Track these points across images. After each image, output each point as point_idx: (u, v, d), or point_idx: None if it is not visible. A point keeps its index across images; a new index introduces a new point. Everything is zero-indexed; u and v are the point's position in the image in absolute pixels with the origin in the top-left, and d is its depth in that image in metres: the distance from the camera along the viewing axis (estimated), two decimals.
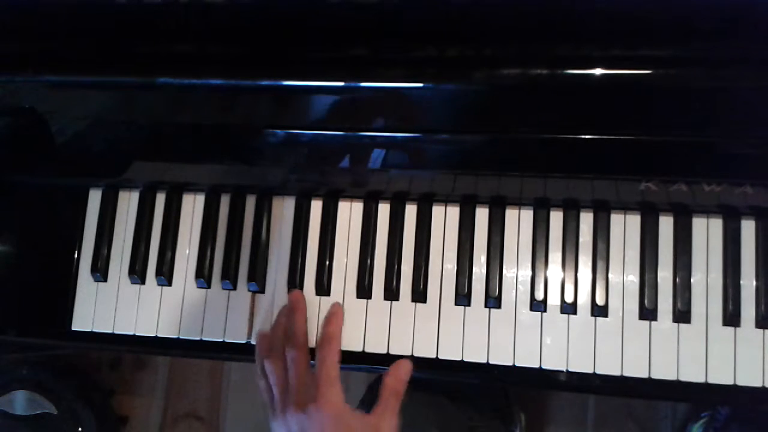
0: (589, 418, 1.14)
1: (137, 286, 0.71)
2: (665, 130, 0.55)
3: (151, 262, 0.71)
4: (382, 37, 0.57)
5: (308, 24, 0.57)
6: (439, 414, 0.77)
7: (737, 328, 0.62)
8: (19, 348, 0.97)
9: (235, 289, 0.69)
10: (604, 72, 0.52)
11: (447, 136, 0.59)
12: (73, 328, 0.71)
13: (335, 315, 0.65)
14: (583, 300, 0.64)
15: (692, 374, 0.61)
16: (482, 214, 0.67)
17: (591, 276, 0.64)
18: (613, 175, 0.60)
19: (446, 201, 0.67)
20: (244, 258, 0.69)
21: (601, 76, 0.52)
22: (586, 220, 0.65)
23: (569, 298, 0.64)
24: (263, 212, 0.70)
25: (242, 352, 0.68)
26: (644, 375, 0.62)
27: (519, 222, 0.66)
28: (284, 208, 0.70)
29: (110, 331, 0.70)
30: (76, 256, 0.72)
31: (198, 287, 0.70)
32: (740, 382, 0.61)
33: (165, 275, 0.70)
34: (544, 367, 0.63)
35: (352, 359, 0.66)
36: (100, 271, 0.71)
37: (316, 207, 0.69)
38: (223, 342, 0.68)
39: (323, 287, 0.68)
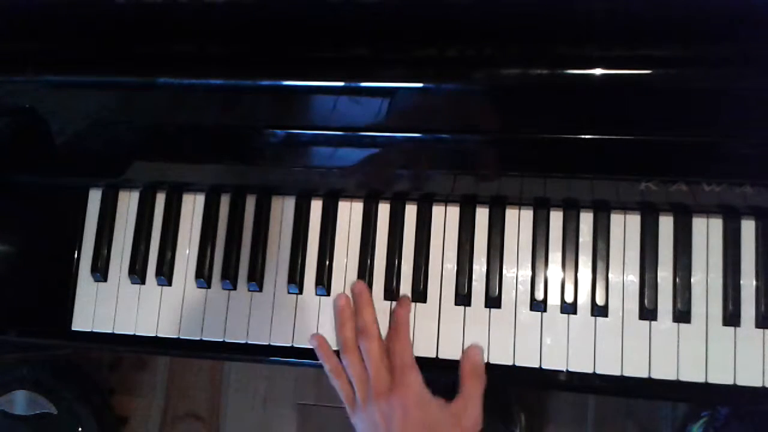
0: (589, 418, 1.14)
1: (137, 286, 0.71)
2: (665, 130, 0.55)
3: (151, 262, 0.71)
4: (382, 37, 0.57)
5: (308, 24, 0.57)
6: None
7: (737, 328, 0.62)
8: (19, 348, 0.97)
9: (235, 289, 0.69)
10: (604, 72, 0.52)
11: (447, 136, 0.59)
12: (73, 328, 0.71)
13: (403, 302, 0.65)
14: (583, 300, 0.64)
15: (692, 374, 0.61)
16: (482, 214, 0.67)
17: (591, 276, 0.64)
18: (613, 175, 0.60)
19: (446, 201, 0.67)
20: (244, 258, 0.69)
21: (601, 76, 0.52)
22: (586, 220, 0.65)
23: (569, 298, 0.64)
24: (263, 212, 0.70)
25: (242, 352, 0.68)
26: (644, 375, 0.62)
27: (519, 222, 0.66)
28: (284, 208, 0.70)
29: (110, 331, 0.70)
30: (76, 256, 0.72)
31: (198, 287, 0.70)
32: (740, 382, 0.61)
33: (165, 275, 0.70)
34: (544, 367, 0.63)
35: None
36: (100, 271, 0.71)
37: (316, 207, 0.69)
38: (223, 342, 0.68)
39: (323, 287, 0.67)
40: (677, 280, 0.63)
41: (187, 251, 0.71)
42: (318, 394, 1.22)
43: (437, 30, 0.56)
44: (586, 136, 0.56)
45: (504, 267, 0.66)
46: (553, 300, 0.64)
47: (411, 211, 0.68)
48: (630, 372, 0.62)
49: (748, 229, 0.63)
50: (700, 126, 0.55)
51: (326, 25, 0.57)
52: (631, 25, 0.53)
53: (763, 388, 0.61)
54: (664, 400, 1.06)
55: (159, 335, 0.70)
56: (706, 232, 0.64)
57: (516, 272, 0.66)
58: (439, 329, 0.65)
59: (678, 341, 0.62)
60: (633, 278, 0.64)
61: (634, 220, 0.65)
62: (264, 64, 0.58)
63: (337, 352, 0.65)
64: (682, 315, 0.62)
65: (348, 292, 0.67)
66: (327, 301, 0.68)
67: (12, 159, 0.69)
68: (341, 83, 0.56)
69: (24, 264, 0.74)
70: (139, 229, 0.72)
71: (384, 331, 0.65)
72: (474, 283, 0.66)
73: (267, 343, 0.68)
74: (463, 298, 0.65)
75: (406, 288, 0.67)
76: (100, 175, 0.71)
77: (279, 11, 0.58)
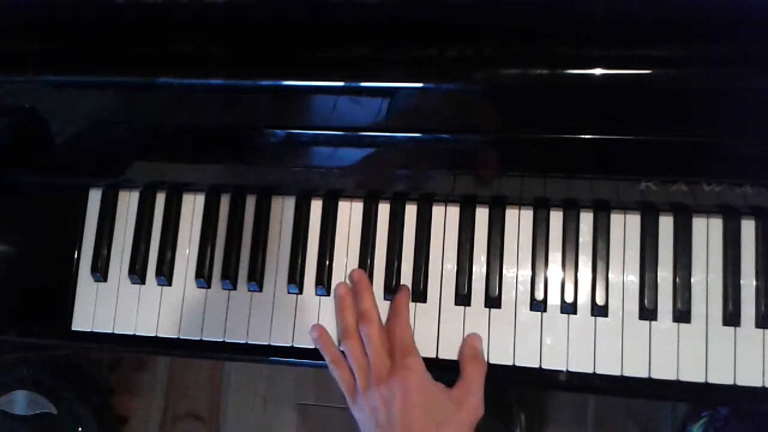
0: (589, 418, 1.14)
1: (137, 286, 0.71)
2: (665, 130, 0.55)
3: (151, 262, 0.71)
4: (382, 37, 0.57)
5: (308, 23, 0.57)
6: None
7: (737, 328, 0.62)
8: (19, 348, 0.97)
9: (235, 289, 0.69)
10: (604, 72, 0.52)
11: (447, 136, 0.59)
12: (73, 328, 0.71)
13: (402, 289, 0.65)
14: (583, 300, 0.64)
15: (692, 374, 0.61)
16: (482, 214, 0.67)
17: (591, 276, 0.64)
18: (613, 175, 0.60)
19: (446, 201, 0.67)
20: (244, 258, 0.69)
21: (601, 76, 0.52)
22: (586, 220, 0.65)
23: (569, 298, 0.64)
24: (263, 212, 0.70)
25: (242, 352, 0.68)
26: (644, 375, 0.62)
27: (519, 222, 0.66)
28: (284, 208, 0.70)
29: (110, 331, 0.70)
30: (76, 256, 0.72)
31: (198, 287, 0.70)
32: (740, 382, 0.61)
33: (165, 275, 0.70)
34: (544, 367, 0.63)
35: None
36: (100, 271, 0.71)
37: (316, 207, 0.69)
38: (223, 342, 0.68)
39: (323, 287, 0.68)
40: (677, 280, 0.63)
41: (187, 251, 0.71)
42: (318, 394, 1.22)
43: (437, 30, 0.56)
44: (586, 136, 0.56)
45: (504, 267, 0.66)
46: (553, 300, 0.64)
47: (411, 211, 0.68)
48: (630, 372, 0.62)
49: (748, 229, 0.63)
50: (700, 126, 0.55)
51: (326, 24, 0.57)
52: (631, 25, 0.53)
53: (763, 388, 0.61)
54: (664, 400, 1.06)
55: (159, 335, 0.70)
56: (706, 232, 0.64)
57: (516, 272, 0.66)
58: (439, 329, 0.65)
59: (678, 341, 0.62)
60: (633, 278, 0.64)
61: (634, 220, 0.65)
62: (264, 64, 0.58)
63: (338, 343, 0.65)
64: (682, 315, 0.62)
65: (348, 283, 0.67)
66: (327, 301, 0.68)
67: (12, 159, 0.69)
68: (341, 83, 0.56)
69: (24, 264, 0.74)
70: (139, 229, 0.72)
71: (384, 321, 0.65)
72: (474, 283, 0.66)
73: (267, 343, 0.68)
74: (463, 298, 0.65)
75: None
76: (100, 175, 0.71)
77: (279, 11, 0.58)
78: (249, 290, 0.69)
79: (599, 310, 0.64)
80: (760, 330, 0.62)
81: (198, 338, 0.69)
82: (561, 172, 0.60)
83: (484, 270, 0.66)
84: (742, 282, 0.62)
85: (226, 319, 0.68)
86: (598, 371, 0.63)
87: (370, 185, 0.67)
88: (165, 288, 0.71)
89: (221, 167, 0.67)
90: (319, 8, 0.56)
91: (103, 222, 0.72)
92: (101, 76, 0.61)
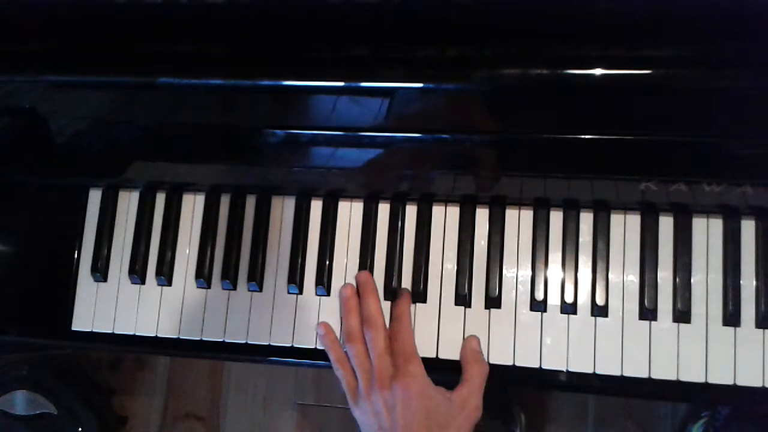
0: (589, 418, 1.14)
1: (137, 286, 0.71)
2: (665, 130, 0.55)
3: (151, 262, 0.71)
4: (382, 37, 0.57)
5: (308, 24, 0.57)
6: None
7: (737, 328, 0.62)
8: (19, 348, 0.97)
9: (235, 289, 0.69)
10: (604, 72, 0.52)
11: (447, 137, 0.59)
12: (73, 328, 0.71)
13: (404, 293, 0.66)
14: (583, 300, 0.64)
15: (692, 374, 0.61)
16: (482, 214, 0.67)
17: (591, 276, 0.64)
18: (613, 175, 0.60)
19: (446, 201, 0.67)
20: (244, 258, 0.69)
21: (601, 76, 0.52)
22: (586, 220, 0.65)
23: (569, 298, 0.64)
24: (263, 212, 0.70)
25: (242, 352, 0.68)
26: (644, 375, 0.62)
27: (519, 222, 0.66)
28: (284, 208, 0.70)
29: (110, 331, 0.70)
30: (76, 256, 0.72)
31: (198, 287, 0.70)
32: (740, 382, 0.61)
33: (165, 275, 0.70)
34: (544, 367, 0.63)
35: None
36: (100, 271, 0.71)
37: (316, 207, 0.69)
38: (223, 342, 0.68)
39: (323, 287, 0.67)
40: (677, 280, 0.63)
41: (187, 251, 0.71)
42: (318, 394, 1.22)
43: (437, 30, 0.56)
44: (586, 136, 0.56)
45: (504, 267, 0.66)
46: (553, 300, 0.64)
47: (411, 211, 0.68)
48: (630, 372, 0.62)
49: (748, 229, 0.63)
50: (700, 126, 0.55)
51: (326, 24, 0.57)
52: (631, 25, 0.53)
53: (763, 388, 0.61)
54: (664, 400, 1.06)
55: (159, 335, 0.70)
56: (706, 232, 0.64)
57: (516, 272, 0.66)
58: (439, 329, 0.65)
59: (678, 341, 0.62)
60: (633, 278, 0.64)
61: (634, 220, 0.65)
62: (264, 64, 0.58)
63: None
64: (682, 315, 0.62)
65: (353, 284, 0.67)
66: (327, 301, 0.68)
67: (12, 159, 0.69)
68: (341, 83, 0.56)
69: (24, 264, 0.74)
70: (139, 229, 0.72)
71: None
72: (474, 283, 0.66)
73: (267, 343, 0.68)
74: (463, 298, 0.65)
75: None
76: (100, 175, 0.71)
77: (279, 11, 0.57)
78: (249, 290, 0.69)
79: (599, 310, 0.64)
80: (760, 330, 0.62)
81: (198, 338, 0.69)
82: (561, 172, 0.60)
83: (484, 270, 0.66)
84: (742, 282, 0.62)
85: (226, 319, 0.68)
86: (598, 371, 0.63)
87: (370, 185, 0.67)
88: (165, 288, 0.71)
89: (221, 167, 0.67)
90: (318, 8, 0.56)
91: (103, 222, 0.72)
92: (101, 76, 0.61)
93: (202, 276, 0.69)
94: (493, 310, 0.65)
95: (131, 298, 0.71)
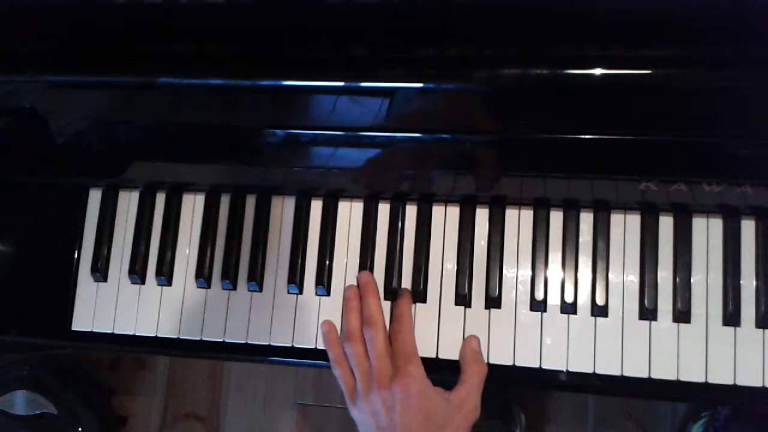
0: (589, 418, 1.14)
1: (137, 286, 0.71)
2: (665, 130, 0.55)
3: (151, 262, 0.71)
4: (382, 37, 0.57)
5: (308, 24, 0.57)
6: None
7: (737, 328, 0.62)
8: (19, 348, 0.97)
9: (235, 289, 0.69)
10: (604, 72, 0.52)
11: (447, 137, 0.59)
12: (73, 328, 0.71)
13: (405, 293, 0.66)
14: (583, 300, 0.64)
15: (692, 374, 0.61)
16: (482, 214, 0.67)
17: (591, 276, 0.64)
18: (613, 175, 0.60)
19: (446, 201, 0.67)
20: (244, 258, 0.69)
21: (601, 76, 0.52)
22: (586, 220, 0.65)
23: (569, 298, 0.64)
24: (263, 212, 0.70)
25: (242, 352, 0.68)
26: (644, 375, 0.62)
27: (519, 222, 0.66)
28: (284, 208, 0.70)
29: (110, 331, 0.70)
30: (76, 256, 0.72)
31: (198, 287, 0.70)
32: (740, 382, 0.61)
33: (165, 275, 0.70)
34: (544, 367, 0.63)
35: None
36: (100, 271, 0.71)
37: (316, 207, 0.69)
38: (223, 342, 0.68)
39: (324, 287, 0.67)
40: (677, 280, 0.63)
41: (187, 251, 0.71)
42: (318, 394, 1.22)
43: (437, 30, 0.56)
44: (586, 136, 0.56)
45: (504, 267, 0.66)
46: (553, 300, 0.64)
47: (411, 211, 0.68)
48: (630, 372, 0.62)
49: (748, 229, 0.63)
50: (700, 126, 0.55)
51: (326, 25, 0.57)
52: (631, 25, 0.53)
53: (763, 388, 0.61)
54: (664, 400, 1.06)
55: (159, 335, 0.70)
56: (706, 232, 0.64)
57: (516, 272, 0.66)
58: (439, 329, 0.65)
59: (678, 341, 0.62)
60: (633, 278, 0.64)
61: (634, 220, 0.65)
62: (264, 64, 0.58)
63: None
64: (682, 315, 0.62)
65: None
66: (327, 301, 0.68)
67: (12, 159, 0.69)
68: (341, 83, 0.56)
69: (24, 264, 0.74)
70: (139, 229, 0.72)
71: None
72: (474, 283, 0.66)
73: (267, 343, 0.68)
74: (463, 298, 0.65)
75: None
76: (100, 175, 0.71)
77: (279, 11, 0.57)
78: (249, 290, 0.69)
79: (599, 310, 0.64)
80: (760, 330, 0.62)
81: (198, 338, 0.69)
82: (561, 172, 0.60)
83: (484, 270, 0.66)
84: (742, 282, 0.62)
85: (226, 319, 0.68)
86: (598, 371, 0.63)
87: (371, 185, 0.67)
88: (165, 288, 0.71)
89: (221, 167, 0.67)
90: (318, 8, 0.56)
91: (103, 222, 0.72)
92: (101, 76, 0.61)
93: (202, 276, 0.69)
94: (493, 310, 0.65)
95: (131, 298, 0.71)
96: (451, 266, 0.67)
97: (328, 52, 0.57)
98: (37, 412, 1.09)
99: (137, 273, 0.70)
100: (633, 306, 0.63)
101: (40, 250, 0.74)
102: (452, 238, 0.67)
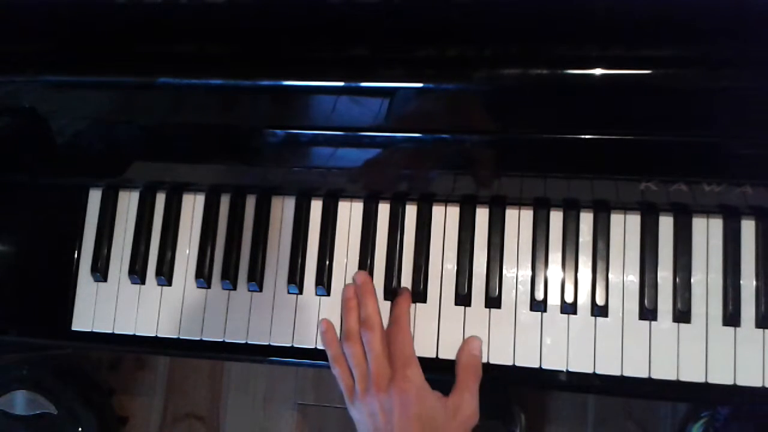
0: (589, 418, 1.14)
1: (137, 286, 0.71)
2: (666, 130, 0.55)
3: (151, 262, 0.71)
4: (382, 37, 0.57)
5: (308, 24, 0.57)
6: None
7: (737, 328, 0.62)
8: (19, 348, 0.97)
9: (235, 289, 0.69)
10: (604, 72, 0.52)
11: (447, 137, 0.59)
12: (73, 328, 0.71)
13: (404, 294, 0.66)
14: (583, 300, 0.64)
15: (692, 374, 0.61)
16: (482, 214, 0.67)
17: (591, 276, 0.64)
18: (613, 175, 0.60)
19: (446, 201, 0.67)
20: (244, 258, 0.69)
21: (601, 76, 0.52)
22: (586, 220, 0.65)
23: (569, 298, 0.64)
24: (263, 212, 0.70)
25: (242, 352, 0.68)
26: (644, 375, 0.62)
27: (519, 222, 0.66)
28: (284, 208, 0.70)
29: (110, 331, 0.70)
30: (76, 256, 0.72)
31: (198, 287, 0.70)
32: (740, 382, 0.61)
33: (165, 275, 0.70)
34: (544, 367, 0.63)
35: None
36: (100, 271, 0.71)
37: (316, 207, 0.69)
38: (223, 342, 0.68)
39: (323, 287, 0.67)
40: (677, 280, 0.63)
41: (187, 251, 0.71)
42: (317, 394, 1.22)
43: (437, 30, 0.56)
44: (586, 136, 0.56)
45: (504, 267, 0.66)
46: (553, 300, 0.64)
47: (411, 211, 0.68)
48: (630, 372, 0.62)
49: (748, 229, 0.63)
50: (700, 126, 0.55)
51: (326, 24, 0.57)
52: (631, 25, 0.53)
53: (763, 388, 0.61)
54: (664, 400, 1.06)
55: (159, 335, 0.70)
56: (706, 232, 0.64)
57: (516, 272, 0.66)
58: (439, 329, 0.65)
59: (678, 341, 0.62)
60: (633, 278, 0.64)
61: (634, 220, 0.65)
62: (264, 64, 0.58)
63: None
64: (682, 315, 0.62)
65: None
66: (327, 301, 0.68)
67: (12, 159, 0.69)
68: (341, 83, 0.56)
69: (24, 264, 0.74)
70: (139, 229, 0.72)
71: (385, 325, 0.65)
72: (474, 283, 0.66)
73: (267, 343, 0.68)
74: (463, 298, 0.65)
75: None
76: (100, 175, 0.71)
77: (279, 11, 0.57)
78: (249, 290, 0.69)
79: (599, 310, 0.64)
80: (760, 330, 0.62)
81: (198, 338, 0.69)
82: (561, 172, 0.60)
83: (484, 270, 0.66)
84: (742, 282, 0.62)
85: (226, 319, 0.68)
86: (598, 371, 0.63)
87: (371, 185, 0.67)
88: (165, 288, 0.71)
89: (221, 167, 0.67)
90: (318, 8, 0.56)
91: (103, 222, 0.72)
92: (101, 76, 0.61)
93: (202, 276, 0.69)
94: (493, 310, 0.65)
95: (131, 298, 0.71)
96: (451, 266, 0.67)
97: (328, 52, 0.57)
98: (37, 412, 1.10)
99: (137, 273, 0.70)
100: (633, 306, 0.63)
101: (40, 250, 0.74)
102: (452, 238, 0.67)
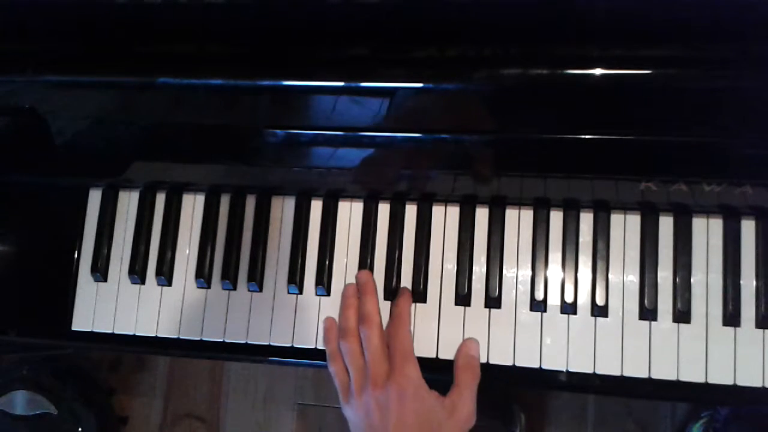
0: (589, 418, 1.14)
1: (137, 286, 0.71)
2: (666, 130, 0.55)
3: (151, 262, 0.71)
4: (382, 37, 0.57)
5: (308, 24, 0.57)
6: None
7: (737, 328, 0.62)
8: (19, 348, 0.97)
9: (235, 289, 0.69)
10: (604, 72, 0.52)
11: (447, 137, 0.59)
12: (73, 328, 0.71)
13: (404, 293, 0.65)
14: (583, 300, 0.64)
15: (692, 374, 0.61)
16: (482, 214, 0.67)
17: (591, 276, 0.64)
18: (613, 175, 0.60)
19: (446, 201, 0.67)
20: (244, 258, 0.69)
21: (601, 76, 0.52)
22: (586, 220, 0.65)
23: (569, 298, 0.64)
24: (263, 212, 0.70)
25: (242, 352, 0.68)
26: (644, 375, 0.62)
27: (519, 222, 0.66)
28: (284, 208, 0.70)
29: (110, 331, 0.70)
30: (76, 256, 0.72)
31: (198, 287, 0.70)
32: (740, 382, 0.61)
33: (165, 275, 0.70)
34: (544, 367, 0.63)
35: None
36: (100, 271, 0.71)
37: (316, 207, 0.69)
38: (223, 342, 0.68)
39: (323, 287, 0.68)
40: (677, 280, 0.63)
41: (187, 251, 0.71)
42: (317, 394, 1.22)
43: (437, 30, 0.56)
44: (586, 136, 0.56)
45: (504, 267, 0.66)
46: (553, 300, 0.64)
47: (411, 211, 0.68)
48: (630, 372, 0.62)
49: (748, 229, 0.63)
50: (700, 126, 0.55)
51: (326, 24, 0.57)
52: (631, 25, 0.53)
53: (763, 388, 0.61)
54: (664, 400, 1.06)
55: (159, 335, 0.70)
56: (706, 232, 0.64)
57: (516, 272, 0.66)
58: (439, 329, 0.65)
59: (678, 341, 0.62)
60: (633, 278, 0.64)
61: (634, 220, 0.65)
62: (264, 64, 0.58)
63: None
64: (682, 315, 0.62)
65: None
66: (327, 301, 0.68)
67: (12, 159, 0.69)
68: (341, 83, 0.56)
69: (24, 264, 0.74)
70: (139, 229, 0.72)
71: (384, 325, 0.65)
72: (474, 283, 0.66)
73: (267, 343, 0.68)
74: (463, 298, 0.65)
75: None
76: (100, 175, 0.71)
77: (279, 11, 0.57)
78: (249, 290, 0.69)
79: (599, 311, 0.64)
80: (760, 330, 0.62)
81: (198, 338, 0.69)
82: (561, 172, 0.60)
83: (484, 270, 0.66)
84: (742, 282, 0.62)
85: (226, 319, 0.68)
86: (598, 371, 0.63)
87: (371, 185, 0.67)
88: (165, 288, 0.71)
89: (221, 167, 0.67)
90: (318, 8, 0.56)
91: (103, 222, 0.72)
92: (101, 76, 0.61)
93: (202, 276, 0.69)
94: (493, 310, 0.65)
95: (131, 298, 0.71)
96: (451, 266, 0.67)
97: (328, 52, 0.57)
98: (37, 412, 1.10)
99: (137, 273, 0.70)
100: (633, 306, 0.63)
101: (40, 250, 0.74)
102: (452, 238, 0.67)
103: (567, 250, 0.65)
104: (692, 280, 0.63)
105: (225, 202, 0.71)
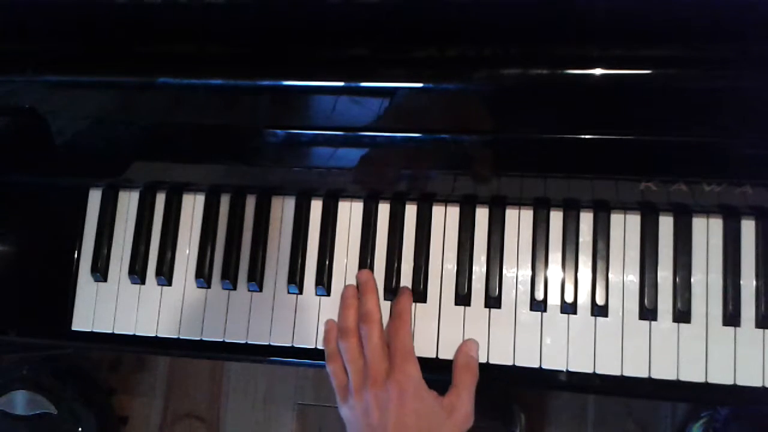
0: (589, 418, 1.14)
1: (137, 286, 0.71)
2: (666, 130, 0.55)
3: (151, 262, 0.71)
4: (382, 37, 0.57)
5: (308, 24, 0.57)
6: None
7: (737, 328, 0.62)
8: (19, 348, 0.97)
9: (235, 289, 0.69)
10: (604, 72, 0.52)
11: (447, 137, 0.59)
12: (73, 328, 0.71)
13: (404, 292, 0.65)
14: (583, 300, 0.64)
15: (692, 374, 0.61)
16: (482, 214, 0.67)
17: (591, 276, 0.64)
18: (613, 175, 0.60)
19: (446, 201, 0.67)
20: (244, 258, 0.69)
21: (601, 76, 0.52)
22: (586, 220, 0.65)
23: (569, 298, 0.64)
24: (263, 212, 0.70)
25: (242, 352, 0.68)
26: (644, 375, 0.62)
27: (519, 222, 0.66)
28: (284, 208, 0.70)
29: (110, 331, 0.70)
30: (76, 256, 0.72)
31: (198, 287, 0.70)
32: (740, 382, 0.61)
33: (165, 275, 0.70)
34: (544, 367, 0.63)
35: None
36: (100, 271, 0.71)
37: (316, 207, 0.69)
38: (223, 342, 0.68)
39: (323, 287, 0.68)
40: (677, 280, 0.63)
41: (187, 251, 0.71)
42: (317, 394, 1.22)
43: (437, 30, 0.56)
44: (586, 136, 0.56)
45: (504, 267, 0.66)
46: (553, 300, 0.64)
47: (411, 211, 0.68)
48: (630, 372, 0.62)
49: (748, 229, 0.63)
50: (700, 126, 0.55)
51: (326, 25, 0.57)
52: (631, 25, 0.53)
53: (763, 388, 0.61)
54: (664, 400, 1.06)
55: (159, 335, 0.70)
56: (706, 232, 0.64)
57: (516, 272, 0.66)
58: (439, 329, 0.65)
59: (678, 341, 0.62)
60: (633, 278, 0.64)
61: (634, 220, 0.65)
62: (264, 64, 0.58)
63: None
64: (682, 315, 0.62)
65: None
66: (327, 301, 0.68)
67: (12, 159, 0.69)
68: (341, 83, 0.56)
69: (24, 264, 0.74)
70: (139, 229, 0.72)
71: (385, 324, 0.65)
72: (474, 283, 0.66)
73: (267, 343, 0.68)
74: (463, 298, 0.65)
75: None
76: (100, 175, 0.71)
77: (279, 11, 0.57)
78: (249, 290, 0.69)
79: (599, 310, 0.64)
80: (760, 330, 0.62)
81: (198, 338, 0.69)
82: (561, 172, 0.60)
83: (484, 270, 0.66)
84: (742, 282, 0.62)
85: (226, 319, 0.68)
86: (598, 371, 0.63)
87: (371, 185, 0.67)
88: (165, 288, 0.71)
89: (221, 167, 0.67)
90: (318, 8, 0.56)
91: (103, 222, 0.72)
92: (101, 76, 0.61)
93: (202, 276, 0.69)
94: (493, 309, 0.65)
95: (131, 298, 0.71)
96: (451, 266, 0.67)
97: (328, 52, 0.57)
98: (37, 412, 1.10)
99: (137, 273, 0.70)
100: (633, 306, 0.63)
101: (40, 250, 0.74)
102: (452, 238, 0.67)
103: (567, 250, 0.65)
104: (692, 280, 0.63)
105: (225, 202, 0.71)
